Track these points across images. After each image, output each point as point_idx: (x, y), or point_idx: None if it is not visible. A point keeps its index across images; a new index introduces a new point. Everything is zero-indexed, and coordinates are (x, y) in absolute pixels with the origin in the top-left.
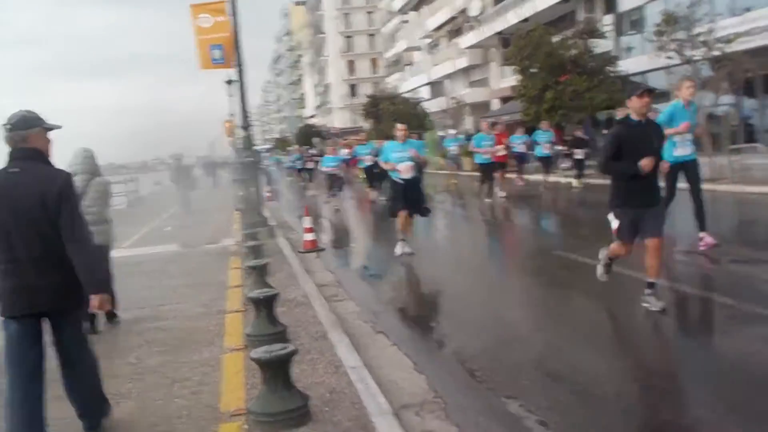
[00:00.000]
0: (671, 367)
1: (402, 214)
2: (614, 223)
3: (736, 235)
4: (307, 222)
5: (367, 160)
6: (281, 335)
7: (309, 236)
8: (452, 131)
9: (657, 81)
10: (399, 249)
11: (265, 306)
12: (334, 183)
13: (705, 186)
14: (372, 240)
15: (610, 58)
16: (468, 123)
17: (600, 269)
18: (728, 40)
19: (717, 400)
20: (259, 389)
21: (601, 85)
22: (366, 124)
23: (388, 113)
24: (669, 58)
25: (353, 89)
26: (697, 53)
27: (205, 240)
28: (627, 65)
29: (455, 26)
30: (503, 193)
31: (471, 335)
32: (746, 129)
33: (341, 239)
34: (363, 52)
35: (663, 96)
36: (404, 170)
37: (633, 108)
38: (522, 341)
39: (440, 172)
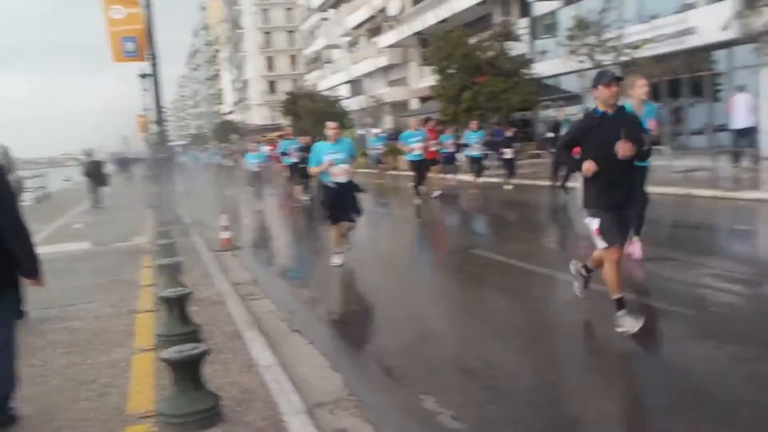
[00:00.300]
0: (580, 362)
1: (337, 226)
2: (593, 224)
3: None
4: (224, 219)
5: (293, 156)
6: (193, 335)
7: (225, 234)
8: (376, 130)
9: (569, 84)
10: (338, 260)
11: (177, 305)
12: (257, 181)
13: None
14: (290, 238)
15: (525, 61)
16: (388, 122)
17: (576, 284)
18: (636, 46)
19: (622, 393)
20: (169, 390)
21: (517, 86)
22: (285, 121)
23: (307, 111)
24: (581, 62)
25: (272, 86)
26: (607, 58)
27: (116, 238)
28: (541, 68)
29: (374, 25)
30: (437, 192)
31: (387, 333)
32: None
33: (259, 237)
34: (282, 48)
35: (575, 99)
36: (338, 173)
37: (600, 98)
38: (437, 338)
39: (362, 171)
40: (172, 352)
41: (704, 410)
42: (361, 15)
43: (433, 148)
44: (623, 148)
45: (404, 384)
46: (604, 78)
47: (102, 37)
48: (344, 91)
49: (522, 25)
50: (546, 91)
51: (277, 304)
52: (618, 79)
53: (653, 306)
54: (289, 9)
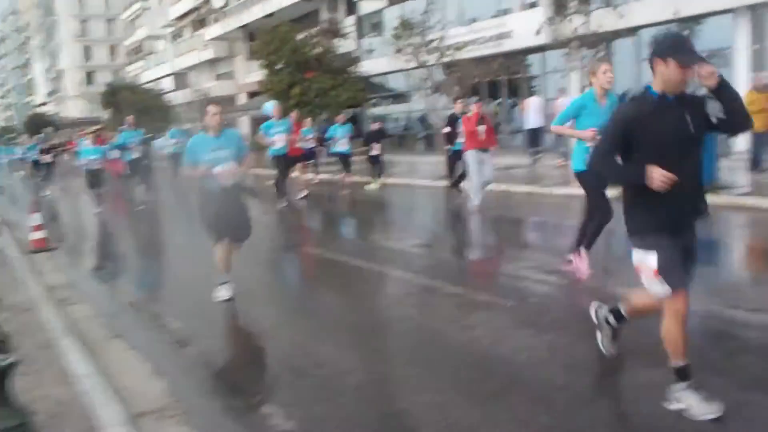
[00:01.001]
0: (408, 356)
1: (223, 246)
2: (650, 260)
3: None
4: (36, 219)
5: (135, 151)
6: (1, 345)
7: (38, 234)
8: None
9: (396, 83)
10: (224, 293)
11: None
12: (97, 180)
13: (440, 183)
14: (113, 239)
15: (352, 59)
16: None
17: (600, 336)
18: (458, 48)
19: (447, 384)
20: None
21: (345, 84)
22: (105, 114)
23: (129, 104)
24: (406, 61)
25: (90, 77)
26: (431, 58)
27: None
28: (369, 66)
29: (199, 17)
30: (303, 193)
31: (214, 336)
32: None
33: (78, 237)
34: (100, 38)
35: (402, 97)
36: (223, 176)
37: (665, 77)
38: (266, 339)
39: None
40: None
41: (524, 396)
42: (184, 5)
43: (298, 144)
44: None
45: (234, 387)
46: (684, 53)
47: None
48: (168, 84)
49: (348, 23)
50: (374, 88)
51: (97, 309)
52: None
53: (477, 299)
54: None
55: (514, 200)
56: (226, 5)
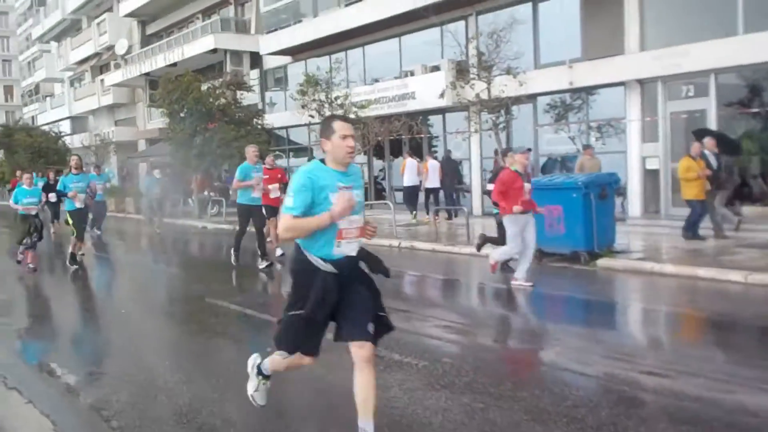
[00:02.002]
0: (319, 416)
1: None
2: None
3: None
4: None
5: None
6: None
7: None
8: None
9: (299, 136)
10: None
11: None
12: (35, 229)
13: None
14: (2, 283)
15: (257, 111)
16: (113, 162)
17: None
18: (362, 106)
19: None
20: None
21: (249, 135)
22: None
23: (25, 145)
24: (310, 116)
25: None
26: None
27: None
28: (272, 119)
29: (100, 62)
30: (280, 252)
31: (116, 389)
32: (376, 187)
33: None
34: None
35: (304, 151)
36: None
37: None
38: (170, 394)
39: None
40: None
41: None
42: (85, 50)
43: (275, 194)
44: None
45: None
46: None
47: None
48: (66, 127)
49: (253, 76)
50: (277, 141)
51: None
52: None
53: (387, 357)
54: (5, 37)
55: (418, 257)
56: (128, 52)
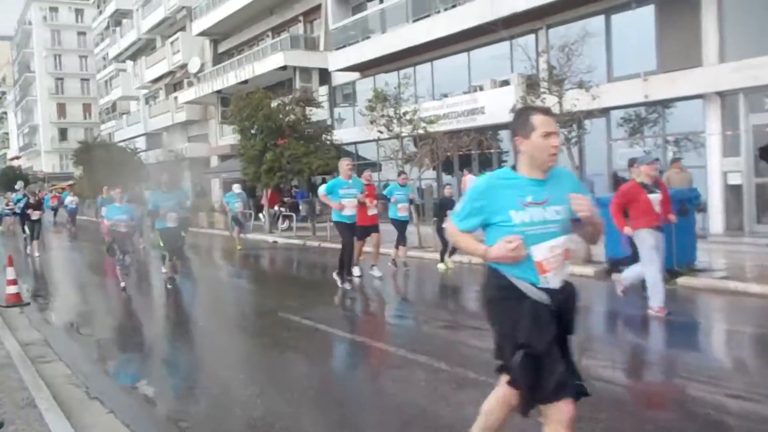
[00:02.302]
0: (399, 430)
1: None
2: None
3: (441, 301)
4: (11, 273)
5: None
6: None
7: (12, 289)
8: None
9: (367, 152)
10: None
11: None
12: (126, 245)
13: (415, 253)
14: (86, 295)
15: (326, 127)
16: (187, 178)
17: None
18: (430, 121)
19: None
20: None
21: (318, 151)
22: (77, 171)
23: (102, 161)
24: (379, 132)
25: (63, 133)
26: (404, 130)
27: None
28: (340, 135)
29: (174, 80)
30: (378, 272)
31: (193, 400)
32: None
33: (49, 293)
34: (75, 96)
35: (373, 166)
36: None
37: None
38: (245, 407)
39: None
40: None
41: None
42: (160, 69)
43: (373, 211)
44: None
45: None
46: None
47: None
48: (141, 143)
49: (322, 92)
50: (346, 156)
51: (72, 368)
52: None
53: (462, 374)
54: (83, 57)
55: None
56: (201, 70)
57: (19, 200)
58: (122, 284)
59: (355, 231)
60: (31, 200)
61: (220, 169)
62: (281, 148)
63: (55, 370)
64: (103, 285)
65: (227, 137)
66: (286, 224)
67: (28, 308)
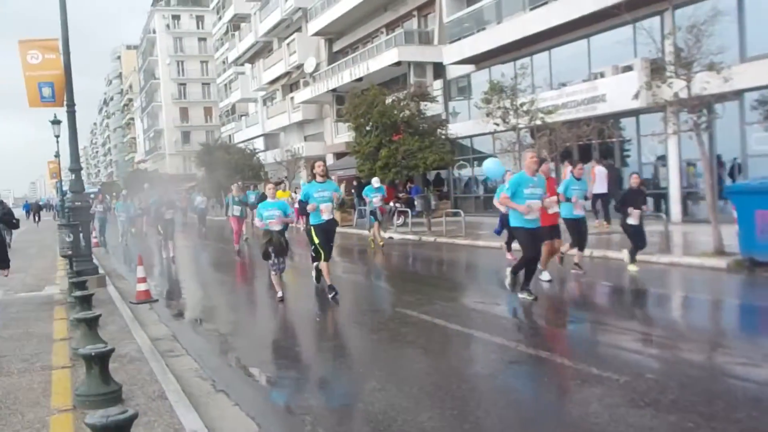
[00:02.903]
0: (520, 426)
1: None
2: None
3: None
4: (141, 271)
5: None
6: (116, 395)
7: (142, 286)
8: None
9: (483, 145)
10: None
11: (96, 363)
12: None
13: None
14: (209, 291)
15: (441, 121)
16: (303, 176)
17: None
18: (548, 111)
19: None
20: None
21: (433, 146)
22: (199, 172)
23: (222, 162)
24: (495, 124)
25: (186, 136)
26: (521, 121)
27: (26, 287)
28: (455, 129)
29: (290, 81)
30: (547, 276)
31: (315, 394)
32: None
33: (176, 290)
34: (197, 100)
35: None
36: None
37: None
38: (366, 401)
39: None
40: (98, 416)
41: None
42: (277, 70)
43: (552, 209)
44: None
45: None
46: None
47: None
48: (260, 144)
49: (436, 86)
50: (461, 150)
51: (199, 361)
52: None
53: (584, 371)
54: (204, 62)
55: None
56: (316, 70)
57: (155, 202)
58: (279, 294)
59: (541, 238)
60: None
61: (336, 167)
62: (396, 144)
63: (183, 364)
64: (228, 282)
65: (342, 135)
66: (401, 220)
67: (156, 305)
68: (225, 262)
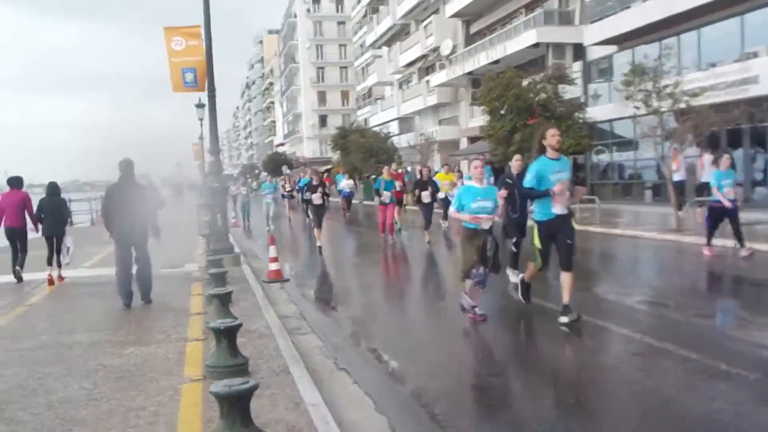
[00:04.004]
0: (639, 419)
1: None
2: None
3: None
4: (273, 251)
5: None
6: (242, 368)
7: (273, 266)
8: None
9: (623, 129)
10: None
11: (226, 336)
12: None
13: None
14: (340, 273)
15: (579, 105)
16: (436, 160)
17: None
18: (694, 94)
19: None
20: (216, 423)
21: (569, 130)
22: (334, 156)
23: (357, 146)
24: (636, 108)
25: (323, 120)
26: (664, 105)
27: (168, 264)
28: (594, 112)
29: (426, 64)
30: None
31: (433, 376)
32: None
33: (307, 271)
34: (334, 84)
35: (629, 144)
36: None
37: None
38: (482, 386)
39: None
40: (222, 386)
41: None
42: (413, 53)
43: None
44: None
45: (449, 431)
46: None
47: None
48: (394, 128)
49: (575, 68)
50: (599, 135)
51: (323, 340)
52: None
53: (713, 366)
54: (342, 45)
55: (760, 260)
56: (453, 52)
57: (304, 184)
58: (479, 313)
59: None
60: (314, 182)
61: (468, 151)
62: (531, 128)
63: (308, 342)
64: (362, 265)
65: (477, 119)
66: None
67: (287, 284)
68: (367, 248)
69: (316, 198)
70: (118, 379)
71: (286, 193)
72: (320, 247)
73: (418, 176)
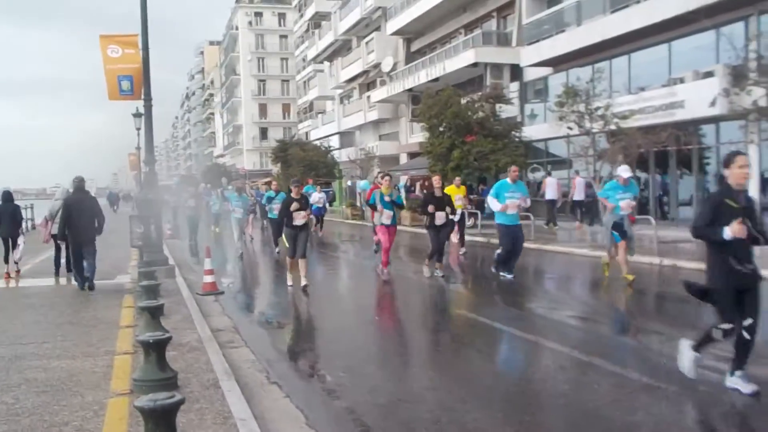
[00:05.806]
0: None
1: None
2: None
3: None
4: (208, 264)
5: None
6: (171, 382)
7: (208, 278)
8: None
9: (557, 149)
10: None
11: (154, 350)
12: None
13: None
14: (272, 286)
15: (515, 124)
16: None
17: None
18: (624, 116)
19: None
20: None
21: (505, 148)
22: (275, 168)
23: (298, 159)
24: (569, 128)
25: (264, 132)
26: (595, 126)
27: (100, 275)
28: (530, 131)
29: (367, 80)
30: None
31: (366, 390)
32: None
33: (242, 284)
34: (275, 96)
35: (563, 163)
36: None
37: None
38: (415, 400)
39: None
40: (146, 400)
41: None
42: (354, 69)
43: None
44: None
45: None
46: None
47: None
48: (335, 142)
49: (512, 88)
50: (534, 153)
51: (256, 354)
52: None
53: (639, 380)
54: (284, 59)
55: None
56: (393, 69)
57: (271, 198)
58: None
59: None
60: (293, 194)
61: (408, 167)
62: (469, 145)
63: (241, 355)
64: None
65: (417, 135)
66: (471, 221)
67: (222, 297)
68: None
69: (299, 218)
70: (41, 394)
71: (250, 206)
72: (306, 287)
73: (422, 190)
